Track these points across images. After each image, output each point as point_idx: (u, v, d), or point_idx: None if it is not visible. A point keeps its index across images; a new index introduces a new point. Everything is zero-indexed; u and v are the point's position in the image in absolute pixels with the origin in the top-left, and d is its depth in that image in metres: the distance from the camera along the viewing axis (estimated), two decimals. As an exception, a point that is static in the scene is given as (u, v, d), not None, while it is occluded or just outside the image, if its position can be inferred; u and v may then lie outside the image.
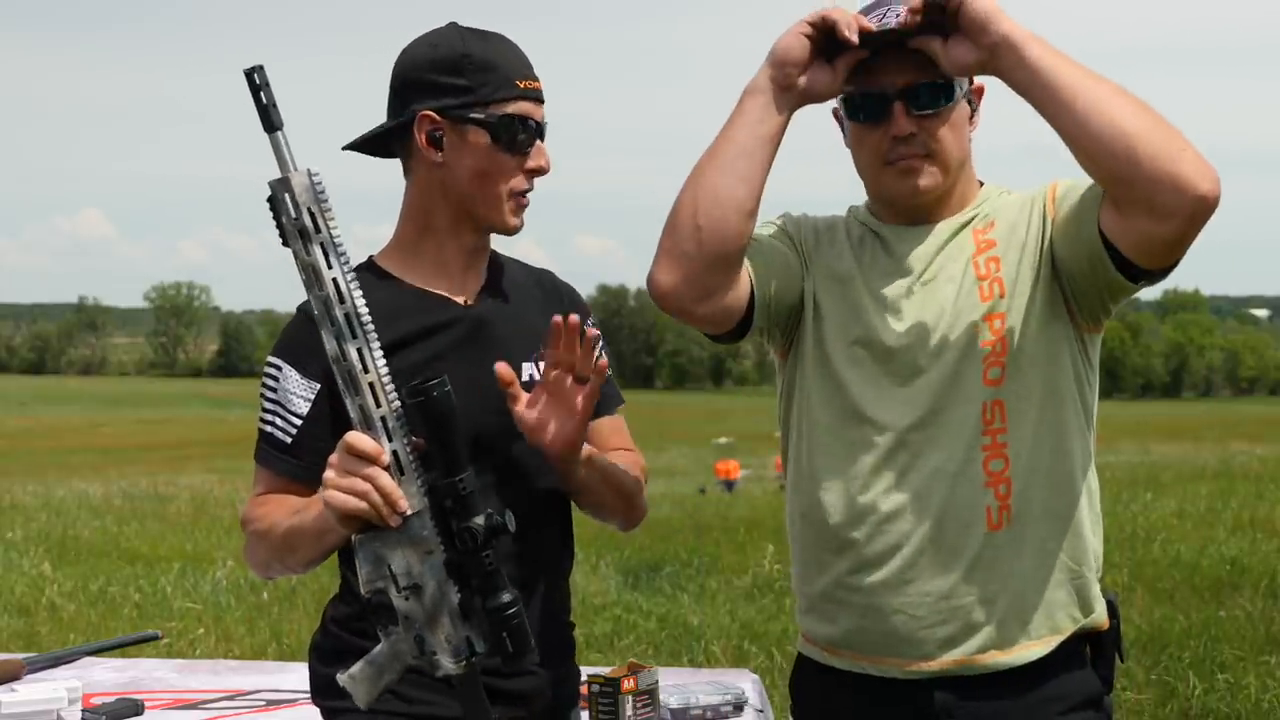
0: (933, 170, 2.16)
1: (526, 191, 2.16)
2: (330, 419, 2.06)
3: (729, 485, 24.05)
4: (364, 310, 1.82)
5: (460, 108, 2.09)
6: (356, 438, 1.83)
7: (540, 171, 2.16)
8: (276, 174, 1.84)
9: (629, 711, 2.65)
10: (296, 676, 3.35)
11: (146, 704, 3.15)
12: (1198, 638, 6.77)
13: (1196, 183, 1.90)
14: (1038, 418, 2.14)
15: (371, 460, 1.82)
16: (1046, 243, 2.15)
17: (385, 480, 1.82)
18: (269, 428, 2.12)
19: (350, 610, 2.13)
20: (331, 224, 1.81)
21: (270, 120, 1.82)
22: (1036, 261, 2.15)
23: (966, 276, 2.17)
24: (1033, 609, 2.15)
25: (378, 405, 1.83)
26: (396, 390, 1.84)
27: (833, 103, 2.22)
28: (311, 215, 1.80)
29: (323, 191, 1.81)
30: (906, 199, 2.19)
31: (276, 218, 1.82)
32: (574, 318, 2.05)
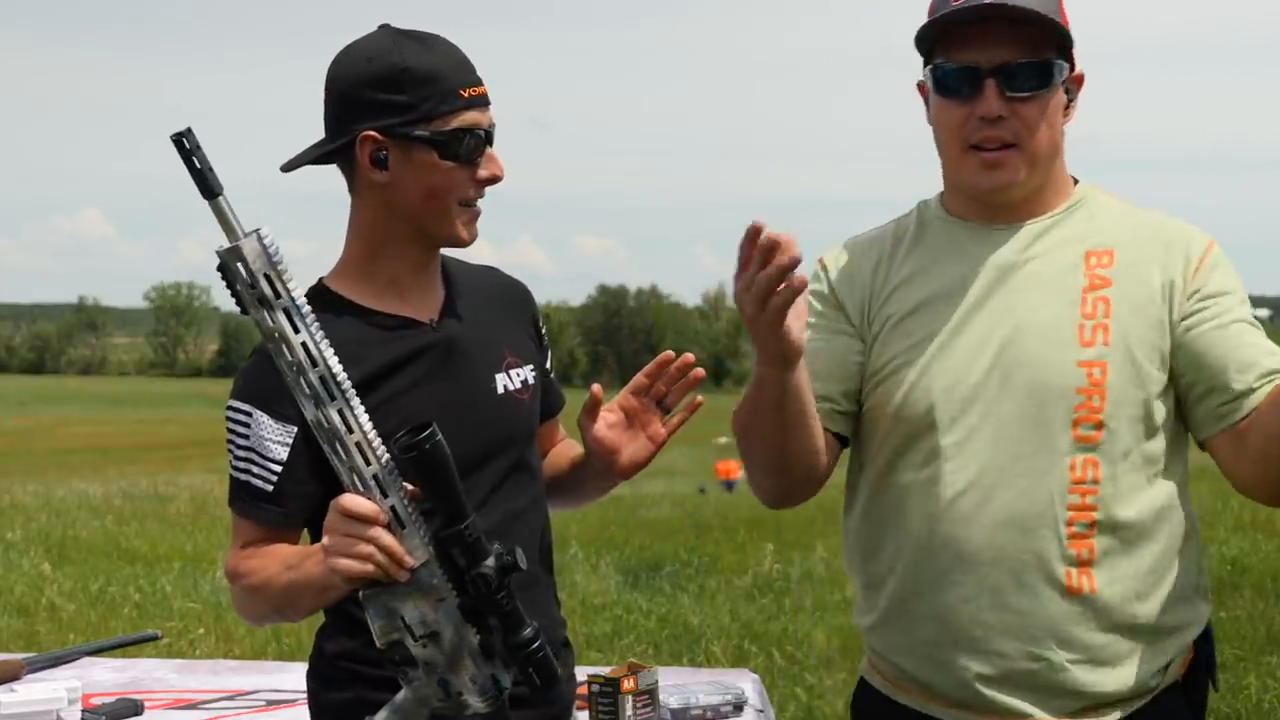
0: (1018, 164, 1.98)
1: (477, 200, 2.08)
2: (309, 461, 2.00)
3: (729, 485, 24.04)
4: (338, 369, 1.74)
5: (403, 125, 1.99)
6: (352, 500, 1.76)
7: (492, 180, 2.06)
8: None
9: (629, 711, 2.64)
10: (296, 676, 3.33)
11: (146, 704, 3.14)
12: (1198, 638, 6.76)
13: None
14: (1133, 476, 1.98)
15: (370, 521, 1.76)
16: (1174, 318, 1.99)
17: (388, 539, 1.76)
18: (244, 476, 2.05)
19: (354, 644, 2.07)
20: (291, 284, 1.72)
21: (209, 186, 1.71)
22: (1152, 325, 1.99)
23: (1068, 314, 1.99)
24: (1120, 671, 2.01)
25: (367, 464, 1.76)
26: (384, 443, 1.77)
27: (919, 75, 2.06)
28: (269, 280, 1.71)
29: (276, 252, 1.71)
30: (984, 193, 2.02)
31: (231, 287, 1.72)
32: (688, 356, 2.12)
